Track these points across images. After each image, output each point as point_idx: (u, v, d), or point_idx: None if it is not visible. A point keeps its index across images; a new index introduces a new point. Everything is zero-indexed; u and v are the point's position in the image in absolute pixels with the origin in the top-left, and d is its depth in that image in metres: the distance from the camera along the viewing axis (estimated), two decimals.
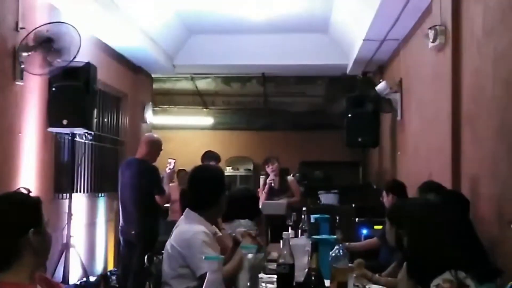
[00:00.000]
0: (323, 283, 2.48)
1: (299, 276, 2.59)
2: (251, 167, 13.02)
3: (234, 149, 12.90)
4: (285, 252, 2.64)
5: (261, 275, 3.37)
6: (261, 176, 8.19)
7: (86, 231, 6.79)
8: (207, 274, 2.17)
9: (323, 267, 2.54)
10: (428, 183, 4.03)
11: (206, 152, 6.96)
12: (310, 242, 2.95)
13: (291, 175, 8.97)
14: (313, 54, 8.74)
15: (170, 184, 6.39)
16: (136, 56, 8.07)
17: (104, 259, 7.40)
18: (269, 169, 7.23)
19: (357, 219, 6.59)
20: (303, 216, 4.93)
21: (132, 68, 8.50)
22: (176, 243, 2.93)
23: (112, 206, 7.54)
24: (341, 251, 2.71)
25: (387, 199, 4.98)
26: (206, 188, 3.10)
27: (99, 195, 7.37)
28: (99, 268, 7.23)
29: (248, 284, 2.49)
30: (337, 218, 3.96)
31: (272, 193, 7.12)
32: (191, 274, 2.86)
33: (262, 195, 7.07)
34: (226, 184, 3.29)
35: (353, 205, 6.97)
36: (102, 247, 7.36)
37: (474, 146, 4.20)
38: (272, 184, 7.14)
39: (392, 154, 7.55)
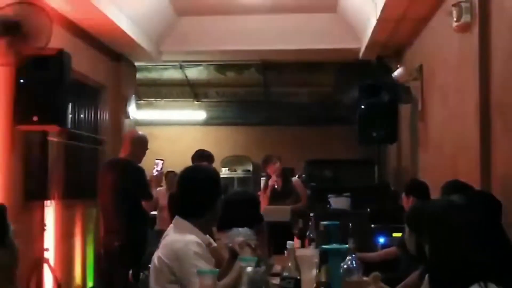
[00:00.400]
0: None
1: None
2: (250, 167, 13.04)
3: (230, 147, 12.92)
4: (289, 264, 2.65)
5: None
6: (262, 178, 8.20)
7: (62, 243, 6.78)
8: None
9: (334, 281, 2.54)
10: (452, 182, 4.02)
11: (197, 151, 6.95)
12: (319, 252, 2.95)
13: (296, 176, 9.00)
14: (319, 37, 8.74)
15: (158, 189, 6.39)
16: (116, 42, 8.05)
17: (82, 275, 7.40)
18: (269, 169, 7.26)
19: (372, 225, 6.58)
20: (310, 223, 4.95)
21: (112, 56, 8.49)
22: (164, 255, 2.93)
23: (91, 215, 7.54)
24: (354, 262, 2.72)
25: (407, 202, 4.99)
26: (198, 192, 3.09)
27: (77, 202, 7.36)
28: (77, 285, 7.23)
29: None
30: (350, 225, 3.96)
31: (274, 197, 7.14)
32: None
33: (263, 199, 7.08)
34: (222, 187, 3.29)
35: (368, 209, 6.96)
36: (80, 261, 7.35)
37: (506, 140, 4.20)
38: (276, 186, 7.18)
39: (412, 151, 7.55)
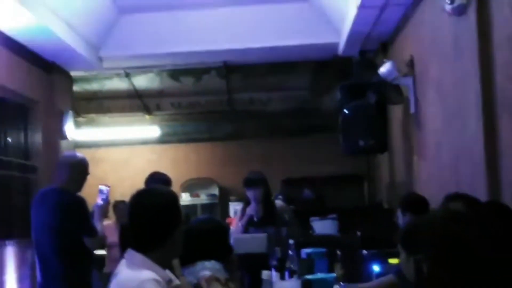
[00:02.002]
0: None
1: None
2: (216, 191, 13.03)
3: (191, 168, 12.92)
4: None
5: None
6: (229, 203, 7.99)
7: None
8: None
9: None
10: (453, 194, 4.05)
11: (151, 175, 6.91)
12: (301, 284, 2.97)
13: (275, 197, 8.94)
14: (291, 32, 8.80)
15: (105, 223, 6.34)
16: (47, 48, 8.02)
17: None
18: (250, 193, 6.99)
19: (364, 251, 6.61)
20: (290, 252, 4.96)
21: (43, 66, 8.45)
22: None
23: (25, 258, 7.46)
24: None
25: (403, 220, 5.03)
26: (153, 219, 3.09)
27: (6, 243, 7.28)
28: None
29: None
30: (338, 252, 3.99)
31: (252, 228, 6.91)
32: None
33: (237, 227, 6.99)
34: (183, 214, 3.28)
35: (358, 233, 6.99)
36: None
37: None
38: (255, 219, 6.91)
39: (407, 161, 7.61)
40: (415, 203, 5.08)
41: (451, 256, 2.07)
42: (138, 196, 3.23)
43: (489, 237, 2.06)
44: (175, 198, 3.28)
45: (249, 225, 6.88)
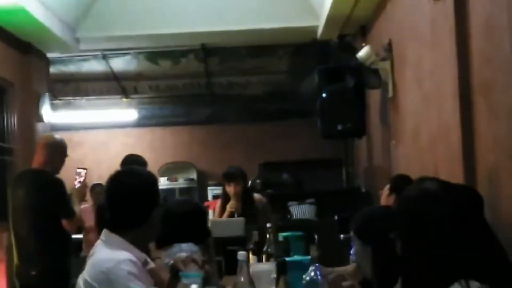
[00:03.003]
0: None
1: None
2: (194, 176, 13.06)
3: (169, 152, 12.92)
4: (242, 279, 2.68)
5: None
6: (208, 188, 7.97)
7: None
8: None
9: None
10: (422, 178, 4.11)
11: (126, 157, 6.89)
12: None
13: (250, 182, 8.95)
14: (269, 15, 8.82)
15: (82, 206, 6.35)
16: (23, 28, 7.98)
17: None
18: (230, 189, 6.99)
19: (342, 235, 6.66)
20: (267, 236, 4.98)
21: (18, 46, 8.40)
22: (92, 278, 2.93)
23: (1, 240, 7.45)
24: (318, 273, 2.76)
25: (387, 201, 5.06)
26: (130, 199, 3.10)
27: None
28: None
29: None
30: (315, 235, 4.02)
31: None
32: None
33: (218, 212, 7.00)
34: (160, 195, 3.30)
35: (336, 217, 7.03)
36: None
37: (492, 123, 4.30)
38: (235, 215, 6.91)
39: (385, 145, 7.66)
40: (406, 185, 5.13)
41: (423, 234, 2.11)
42: (117, 176, 3.24)
43: (458, 215, 2.10)
44: (153, 179, 3.29)
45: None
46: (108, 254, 2.99)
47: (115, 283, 2.86)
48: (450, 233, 2.08)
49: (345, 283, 3.21)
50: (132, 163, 6.65)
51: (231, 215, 6.84)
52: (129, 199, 3.10)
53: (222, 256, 5.77)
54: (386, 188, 5.21)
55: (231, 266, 5.24)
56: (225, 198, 6.96)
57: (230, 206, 6.83)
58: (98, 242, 3.11)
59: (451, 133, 4.84)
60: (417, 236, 2.12)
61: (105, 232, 3.11)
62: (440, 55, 5.10)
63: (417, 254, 2.11)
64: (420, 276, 2.10)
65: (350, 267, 5.03)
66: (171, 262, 3.18)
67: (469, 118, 4.60)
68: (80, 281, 2.98)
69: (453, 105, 4.78)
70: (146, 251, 3.37)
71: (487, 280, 2.01)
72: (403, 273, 2.22)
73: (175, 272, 3.05)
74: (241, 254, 2.72)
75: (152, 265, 3.27)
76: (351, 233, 3.30)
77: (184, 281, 2.56)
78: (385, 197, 5.15)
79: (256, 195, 7.18)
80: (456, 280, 2.01)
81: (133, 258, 2.98)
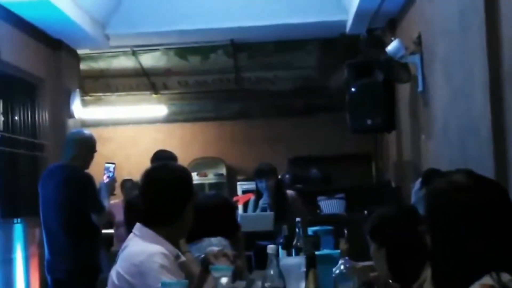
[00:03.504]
0: None
1: None
2: (223, 171, 13.07)
3: (198, 148, 12.94)
4: (271, 272, 2.69)
5: None
6: (238, 183, 7.92)
7: None
8: None
9: None
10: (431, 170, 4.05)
11: (157, 153, 6.93)
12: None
13: (282, 176, 8.92)
14: (298, 10, 8.79)
15: (112, 201, 6.39)
16: (54, 25, 8.04)
17: None
18: (261, 185, 6.97)
19: (367, 234, 6.64)
20: (297, 230, 4.99)
21: (49, 43, 8.47)
22: (124, 270, 2.95)
23: (33, 235, 7.52)
24: (347, 266, 2.77)
25: (417, 193, 5.05)
26: (165, 194, 3.12)
27: (15, 221, 7.34)
28: None
29: None
30: (345, 230, 4.01)
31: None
32: None
33: (252, 210, 7.00)
34: (194, 191, 3.32)
35: (366, 212, 7.02)
36: None
37: None
38: (268, 210, 6.89)
39: (415, 139, 7.63)
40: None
41: (452, 226, 2.11)
42: (152, 171, 3.28)
43: (487, 207, 2.09)
44: (188, 174, 3.32)
45: None
46: (140, 247, 3.02)
47: (147, 276, 2.89)
48: (479, 225, 2.07)
49: (372, 274, 3.24)
50: (163, 158, 6.69)
51: (264, 211, 6.85)
52: (163, 194, 3.12)
53: (252, 251, 5.80)
54: (418, 182, 5.20)
55: (261, 261, 5.27)
56: (258, 194, 6.96)
57: (262, 202, 6.83)
58: (131, 235, 3.14)
59: (482, 127, 4.82)
60: (446, 229, 2.12)
61: (138, 225, 3.13)
62: (470, 48, 5.08)
63: (446, 247, 2.11)
64: (450, 269, 2.10)
65: None
66: (203, 256, 3.20)
67: (499, 111, 4.58)
68: (112, 274, 3.01)
69: (483, 99, 4.76)
70: (177, 245, 3.39)
71: None
72: (432, 265, 2.21)
73: (206, 266, 3.07)
74: (270, 248, 2.73)
75: (183, 258, 3.29)
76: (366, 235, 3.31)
77: (214, 274, 2.57)
78: (416, 191, 5.14)
79: (290, 193, 7.13)
80: (487, 272, 2.00)
81: (165, 251, 3.00)
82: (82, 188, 5.72)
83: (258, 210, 6.84)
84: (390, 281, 3.41)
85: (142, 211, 3.16)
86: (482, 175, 2.24)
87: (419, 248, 2.55)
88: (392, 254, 3.11)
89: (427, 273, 2.78)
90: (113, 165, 6.05)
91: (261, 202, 6.85)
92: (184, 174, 3.27)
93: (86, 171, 5.86)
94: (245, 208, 8.37)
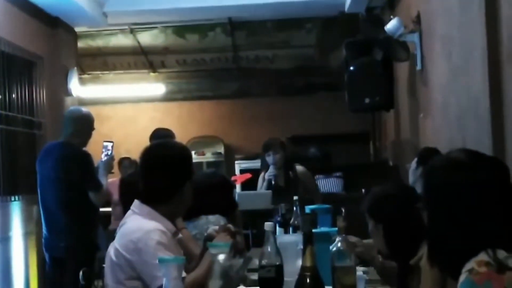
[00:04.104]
0: (323, 287, 2.53)
1: (291, 283, 2.63)
2: (221, 150, 13.07)
3: (196, 126, 12.93)
4: (269, 249, 2.70)
5: None
6: (236, 162, 7.91)
7: None
8: (164, 283, 2.17)
9: (323, 270, 2.59)
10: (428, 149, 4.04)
11: (155, 131, 6.93)
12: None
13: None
14: None
15: (110, 180, 6.39)
16: (51, 3, 8.01)
17: (25, 283, 7.41)
18: (269, 158, 6.94)
19: (365, 212, 6.65)
20: (294, 208, 5.00)
21: (47, 21, 8.44)
22: (122, 247, 2.96)
23: (31, 213, 7.53)
24: (345, 243, 2.77)
25: (414, 172, 5.06)
26: (164, 171, 3.13)
27: (12, 199, 7.35)
28: None
29: None
30: (342, 209, 4.02)
31: (275, 194, 6.83)
32: None
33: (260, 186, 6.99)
34: (193, 169, 3.32)
35: (363, 190, 7.03)
36: (22, 268, 7.36)
37: None
38: (273, 182, 6.87)
39: (413, 118, 7.63)
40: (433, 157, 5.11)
41: (449, 203, 2.11)
42: (152, 148, 3.29)
43: (485, 185, 2.09)
44: (188, 152, 3.33)
45: (274, 196, 6.75)
46: (138, 224, 3.03)
47: (144, 253, 2.90)
48: (476, 202, 2.08)
49: (357, 249, 3.30)
50: (161, 136, 6.70)
51: (269, 183, 6.85)
52: (163, 171, 3.13)
53: (250, 229, 5.81)
54: (414, 161, 5.21)
55: (258, 239, 5.28)
56: (265, 169, 6.92)
57: (268, 174, 6.81)
58: (129, 212, 3.15)
59: (480, 106, 4.82)
60: (443, 206, 2.12)
61: (136, 202, 3.14)
62: (469, 26, 5.06)
63: (442, 224, 2.12)
64: (446, 246, 2.11)
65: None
66: (206, 233, 3.21)
67: (498, 90, 4.58)
68: (110, 250, 3.03)
69: (482, 77, 4.76)
70: (174, 222, 3.40)
71: None
72: (429, 242, 2.22)
73: (208, 241, 3.08)
74: (268, 225, 2.73)
75: (180, 236, 3.31)
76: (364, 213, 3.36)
77: (212, 251, 2.57)
78: (413, 170, 5.15)
79: (299, 167, 7.06)
80: (483, 249, 2.01)
81: (163, 228, 3.01)
82: (80, 166, 5.73)
83: (264, 183, 6.82)
84: (381, 258, 3.45)
85: (141, 188, 3.16)
86: (481, 152, 2.24)
87: (416, 225, 2.57)
88: (389, 231, 3.16)
89: (424, 250, 2.80)
90: (111, 143, 6.05)
91: (266, 174, 6.84)
92: (184, 152, 3.28)
93: (84, 149, 5.87)
94: (244, 187, 8.39)
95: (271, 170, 6.80)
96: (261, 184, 6.95)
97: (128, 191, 3.55)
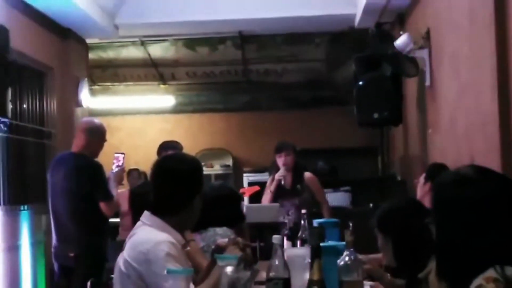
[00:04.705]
0: None
1: None
2: (229, 162, 13.06)
3: (205, 139, 12.94)
4: (277, 262, 2.70)
5: None
6: (244, 175, 7.93)
7: (5, 257, 6.78)
8: None
9: (330, 284, 2.60)
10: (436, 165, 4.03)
11: (163, 143, 6.94)
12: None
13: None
14: (307, 2, 8.80)
15: (119, 190, 6.41)
16: (63, 14, 8.05)
17: None
18: (279, 160, 7.02)
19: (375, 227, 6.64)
20: (302, 222, 5.00)
21: (58, 32, 8.49)
22: (131, 258, 2.97)
23: (40, 222, 7.54)
24: (352, 257, 2.78)
25: (423, 189, 5.06)
26: (175, 184, 3.14)
27: (22, 208, 7.36)
28: None
29: None
30: (350, 223, 4.03)
31: (280, 195, 6.94)
32: None
33: (266, 195, 7.02)
34: (204, 183, 3.33)
35: (371, 205, 7.03)
36: (30, 277, 7.37)
37: None
38: (282, 182, 6.95)
39: (421, 133, 7.63)
40: (441, 173, 5.12)
41: (457, 219, 2.12)
42: (165, 160, 3.31)
43: (492, 200, 2.10)
44: (199, 164, 3.33)
45: (278, 196, 6.85)
46: (148, 235, 3.03)
47: (153, 264, 2.90)
48: (484, 217, 2.08)
49: (366, 266, 3.31)
50: (169, 148, 6.72)
51: (279, 184, 6.91)
52: (174, 183, 3.13)
53: (257, 241, 5.81)
54: (422, 177, 5.21)
55: (266, 251, 5.28)
56: (276, 171, 7.00)
57: (278, 175, 6.87)
58: (139, 223, 3.15)
59: (489, 123, 4.82)
60: (451, 221, 2.13)
61: (146, 214, 3.15)
62: (479, 43, 5.07)
63: (451, 240, 2.12)
64: (454, 262, 2.11)
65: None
66: (214, 246, 3.22)
67: (507, 108, 4.58)
68: (119, 261, 3.03)
69: (491, 95, 4.76)
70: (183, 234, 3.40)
71: None
72: (437, 257, 2.23)
73: (216, 253, 3.09)
74: (276, 238, 2.74)
75: (189, 248, 3.31)
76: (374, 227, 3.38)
77: (220, 263, 2.58)
78: (421, 185, 5.16)
79: (307, 173, 7.18)
80: (491, 265, 2.01)
81: (172, 240, 3.01)
82: (91, 176, 5.75)
83: (274, 183, 6.92)
84: (389, 276, 3.46)
85: (152, 199, 3.17)
86: (489, 168, 2.24)
87: (426, 239, 2.58)
88: (398, 245, 3.18)
89: (433, 264, 2.80)
90: (123, 155, 6.08)
91: (277, 174, 6.93)
92: (196, 165, 3.28)
93: (96, 159, 5.89)
94: (251, 200, 8.39)
95: (281, 171, 6.90)
96: (268, 185, 7.03)
97: (139, 202, 3.56)
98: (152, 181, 3.23)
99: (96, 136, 5.93)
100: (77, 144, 5.91)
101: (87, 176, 5.75)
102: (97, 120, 6.26)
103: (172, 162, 3.28)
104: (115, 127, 11.84)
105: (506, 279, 1.98)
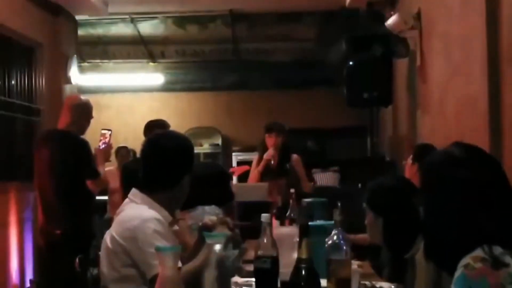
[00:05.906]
0: (318, 279, 2.54)
1: (286, 274, 2.64)
2: (219, 141, 13.06)
3: (194, 117, 12.93)
4: (265, 241, 2.69)
5: (235, 278, 3.43)
6: (233, 153, 7.94)
7: None
8: (160, 272, 2.17)
9: (318, 263, 2.60)
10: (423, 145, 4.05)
11: (149, 122, 6.87)
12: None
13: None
14: None
15: (107, 168, 6.38)
16: None
17: (19, 270, 7.42)
18: (268, 140, 7.04)
19: (365, 203, 6.66)
20: (290, 201, 5.01)
21: (48, 8, 8.43)
22: (118, 234, 2.96)
23: (27, 200, 7.54)
24: (340, 237, 2.77)
25: (411, 170, 5.07)
26: (165, 161, 3.13)
27: (9, 185, 7.35)
28: (14, 282, 7.25)
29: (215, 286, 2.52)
30: (338, 203, 4.03)
31: (266, 175, 6.97)
32: (139, 276, 2.91)
33: (253, 174, 7.05)
34: (194, 162, 3.32)
35: (360, 185, 7.04)
36: (16, 255, 7.37)
37: None
38: (272, 162, 6.99)
39: (411, 114, 7.64)
40: (428, 153, 5.13)
41: (446, 199, 2.12)
42: (156, 138, 3.29)
43: (482, 180, 2.10)
44: (190, 143, 3.32)
45: (264, 175, 6.90)
46: (135, 212, 3.02)
47: (140, 241, 2.90)
48: (472, 197, 2.08)
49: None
50: (156, 127, 6.67)
51: (268, 163, 6.95)
52: (164, 161, 3.13)
53: (245, 221, 5.81)
54: (410, 158, 5.23)
55: (254, 231, 5.29)
56: (264, 150, 7.04)
57: (266, 155, 6.91)
58: (127, 200, 3.14)
59: (478, 103, 4.83)
60: (439, 201, 2.13)
61: (134, 191, 3.14)
62: (469, 24, 5.07)
63: (438, 219, 2.12)
64: (442, 241, 2.11)
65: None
66: (201, 223, 3.21)
67: (497, 88, 4.58)
68: (106, 238, 3.02)
69: (481, 75, 4.76)
70: (172, 213, 3.39)
71: (510, 245, 2.01)
72: (425, 238, 2.23)
73: (203, 233, 3.08)
74: (264, 216, 2.73)
75: (176, 227, 3.31)
76: (364, 205, 3.37)
77: (208, 241, 2.57)
78: (409, 166, 5.17)
79: (294, 154, 7.22)
80: (479, 245, 2.02)
81: (160, 217, 3.01)
82: (77, 153, 5.71)
83: (262, 163, 6.94)
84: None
85: (141, 177, 3.17)
86: (478, 147, 2.24)
87: (414, 219, 2.58)
88: (388, 223, 3.17)
89: (420, 244, 2.81)
90: (110, 132, 6.04)
91: (265, 154, 6.96)
92: (187, 143, 3.28)
93: (82, 137, 5.86)
94: (240, 179, 8.41)
95: (270, 151, 6.94)
96: (255, 164, 7.08)
97: (130, 178, 3.54)
98: (142, 158, 3.22)
99: (83, 113, 5.89)
100: (63, 121, 5.86)
101: (73, 153, 5.70)
102: (83, 96, 6.22)
103: (164, 139, 3.27)
104: (104, 104, 11.80)
105: (493, 258, 1.98)
